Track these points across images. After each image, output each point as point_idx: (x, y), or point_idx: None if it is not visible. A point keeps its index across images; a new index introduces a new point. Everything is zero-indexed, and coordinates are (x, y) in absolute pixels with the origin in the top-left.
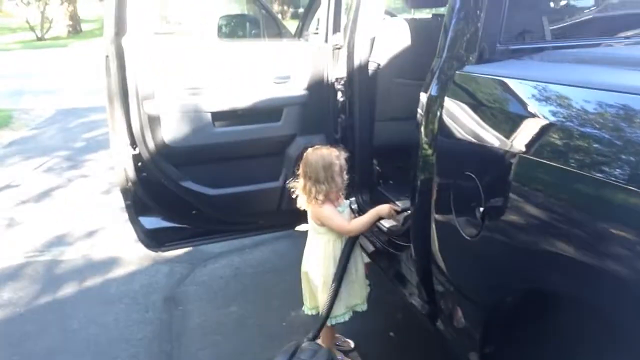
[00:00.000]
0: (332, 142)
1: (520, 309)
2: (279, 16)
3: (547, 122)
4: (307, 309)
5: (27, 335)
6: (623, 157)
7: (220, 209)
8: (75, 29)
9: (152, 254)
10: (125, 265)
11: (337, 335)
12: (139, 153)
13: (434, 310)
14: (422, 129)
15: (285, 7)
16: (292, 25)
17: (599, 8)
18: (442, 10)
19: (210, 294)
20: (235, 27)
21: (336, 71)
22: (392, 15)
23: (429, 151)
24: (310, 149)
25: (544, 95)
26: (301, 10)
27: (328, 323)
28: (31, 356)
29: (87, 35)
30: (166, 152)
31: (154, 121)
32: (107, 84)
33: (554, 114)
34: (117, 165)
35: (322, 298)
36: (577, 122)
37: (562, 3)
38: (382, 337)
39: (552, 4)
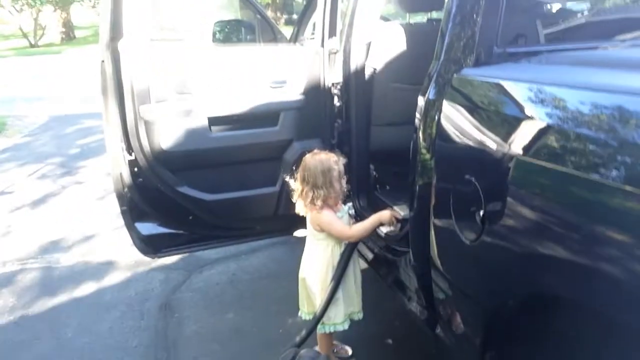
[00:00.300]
0: (328, 147)
1: (521, 313)
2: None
3: (545, 124)
4: (305, 314)
5: (21, 344)
6: (619, 157)
7: (216, 214)
8: (69, 36)
9: (147, 260)
10: (120, 271)
11: (334, 342)
12: (135, 158)
13: (433, 316)
14: (420, 132)
15: (279, 14)
16: (286, 31)
17: (595, 12)
18: (437, 15)
19: (207, 300)
20: (230, 33)
21: (332, 76)
22: (387, 20)
23: (428, 155)
24: (308, 154)
25: (542, 97)
26: (295, 16)
27: (327, 330)
28: None
29: (81, 42)
30: (162, 158)
31: (150, 126)
32: (103, 89)
33: (552, 116)
34: (113, 170)
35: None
36: (576, 124)
37: (558, 7)
38: (380, 344)
39: (548, 8)
